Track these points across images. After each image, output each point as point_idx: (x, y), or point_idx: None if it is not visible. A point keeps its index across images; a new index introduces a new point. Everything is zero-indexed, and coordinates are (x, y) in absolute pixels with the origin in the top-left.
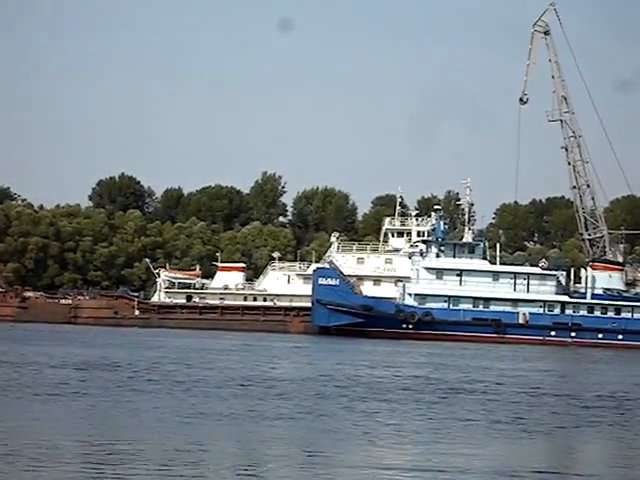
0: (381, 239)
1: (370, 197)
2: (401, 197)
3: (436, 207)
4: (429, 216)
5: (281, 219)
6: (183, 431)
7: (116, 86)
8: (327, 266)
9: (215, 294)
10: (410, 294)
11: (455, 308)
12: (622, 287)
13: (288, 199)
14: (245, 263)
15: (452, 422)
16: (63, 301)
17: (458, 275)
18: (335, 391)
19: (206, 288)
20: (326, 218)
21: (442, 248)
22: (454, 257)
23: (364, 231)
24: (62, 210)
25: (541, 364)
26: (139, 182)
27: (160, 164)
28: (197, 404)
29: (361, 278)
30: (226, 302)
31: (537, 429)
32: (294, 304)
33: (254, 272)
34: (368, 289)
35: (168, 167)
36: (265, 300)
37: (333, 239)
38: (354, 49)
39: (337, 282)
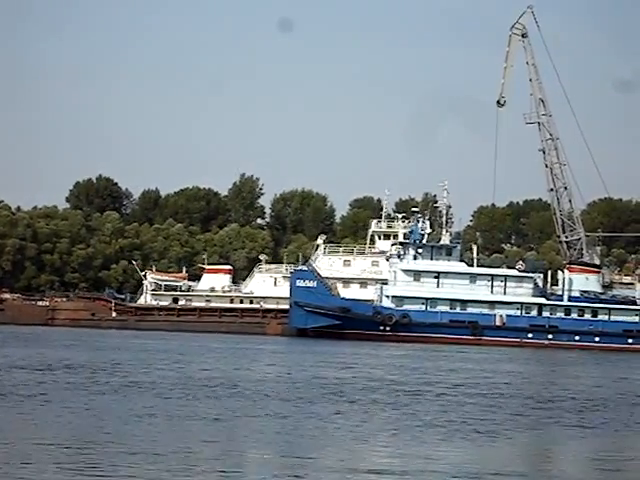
0: (367, 241)
1: (348, 199)
2: (379, 200)
3: (414, 209)
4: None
5: (259, 221)
6: (132, 432)
7: (94, 87)
8: (305, 268)
9: (201, 296)
10: (388, 296)
11: (432, 310)
12: (599, 289)
13: (266, 201)
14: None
15: (412, 423)
16: (40, 303)
17: (435, 277)
18: (294, 393)
19: (192, 290)
20: (304, 220)
21: (420, 250)
22: (431, 259)
23: (342, 233)
24: (39, 212)
25: (512, 366)
26: (116, 184)
27: (138, 166)
28: (143, 405)
29: (347, 280)
30: (205, 304)
31: (495, 430)
32: (273, 306)
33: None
34: (354, 291)
35: (146, 169)
36: (252, 302)
37: (320, 241)
38: (333, 50)
39: (315, 284)
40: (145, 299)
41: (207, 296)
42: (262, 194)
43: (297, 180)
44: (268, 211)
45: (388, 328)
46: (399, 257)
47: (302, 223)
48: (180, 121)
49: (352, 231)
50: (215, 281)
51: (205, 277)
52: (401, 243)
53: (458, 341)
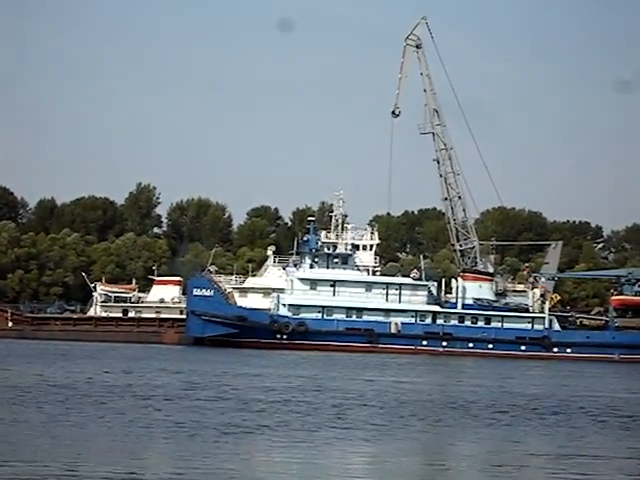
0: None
1: (246, 208)
2: (277, 209)
3: (310, 218)
4: (365, 229)
5: (156, 230)
6: None
7: None
8: (202, 277)
9: (151, 307)
10: (284, 304)
11: (329, 318)
12: (492, 297)
13: (163, 210)
14: (119, 275)
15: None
16: None
17: (332, 285)
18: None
19: (142, 302)
20: (201, 229)
21: (316, 259)
22: (328, 268)
23: (239, 242)
24: None
25: (391, 372)
26: (12, 193)
27: (33, 175)
28: None
29: None
30: (106, 314)
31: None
32: (168, 315)
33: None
34: None
35: (41, 178)
36: None
37: (269, 252)
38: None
39: (212, 293)
40: (95, 311)
41: (157, 307)
42: (159, 203)
43: (194, 189)
44: (165, 220)
45: (285, 336)
46: (295, 266)
47: (199, 232)
48: (76, 129)
49: (249, 240)
50: (165, 292)
51: (155, 288)
52: (297, 252)
53: (354, 349)
